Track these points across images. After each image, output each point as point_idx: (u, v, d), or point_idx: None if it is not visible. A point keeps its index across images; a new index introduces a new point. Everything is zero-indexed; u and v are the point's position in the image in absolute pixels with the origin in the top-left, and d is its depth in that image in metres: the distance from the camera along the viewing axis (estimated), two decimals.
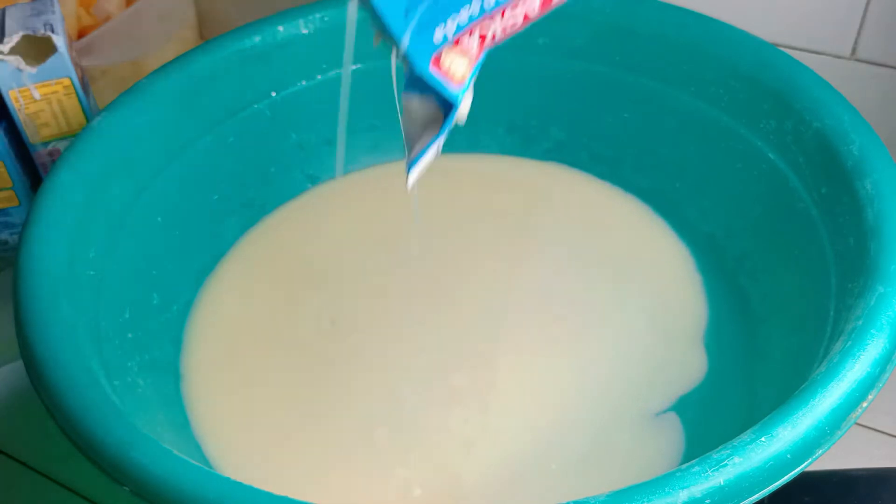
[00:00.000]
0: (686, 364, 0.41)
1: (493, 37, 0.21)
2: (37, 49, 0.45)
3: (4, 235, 0.49)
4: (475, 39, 0.21)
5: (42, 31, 0.44)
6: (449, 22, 0.19)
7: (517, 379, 0.41)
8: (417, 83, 0.21)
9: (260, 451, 0.39)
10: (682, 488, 0.27)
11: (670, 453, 0.38)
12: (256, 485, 0.28)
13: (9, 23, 0.45)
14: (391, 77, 0.25)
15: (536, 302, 0.44)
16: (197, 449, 0.38)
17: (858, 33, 0.48)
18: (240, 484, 0.28)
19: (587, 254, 0.46)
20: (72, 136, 0.47)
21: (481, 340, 0.43)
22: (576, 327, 0.43)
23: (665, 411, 0.39)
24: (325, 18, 0.48)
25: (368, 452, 0.38)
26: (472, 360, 0.42)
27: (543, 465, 0.37)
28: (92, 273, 0.38)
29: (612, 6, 0.47)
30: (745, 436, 0.28)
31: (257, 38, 0.47)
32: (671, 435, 0.39)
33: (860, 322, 0.32)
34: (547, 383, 0.41)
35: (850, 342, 0.31)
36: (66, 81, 0.46)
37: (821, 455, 0.29)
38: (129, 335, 0.39)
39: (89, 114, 0.47)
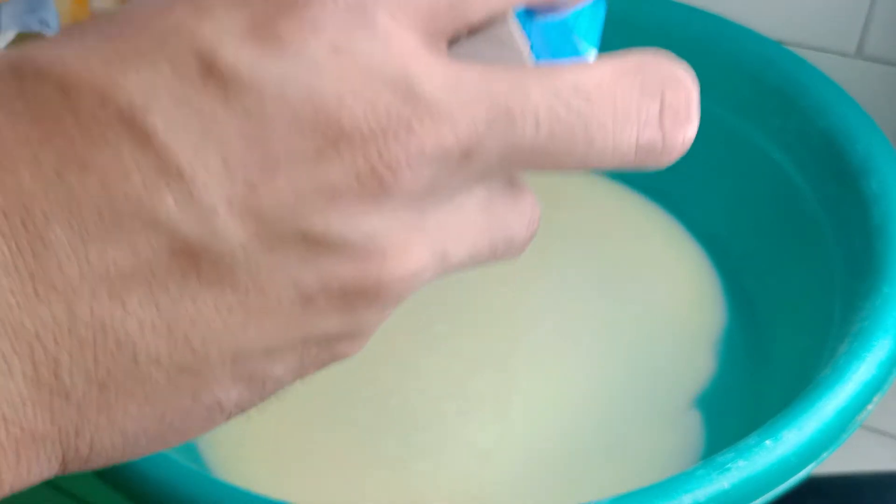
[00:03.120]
0: (695, 364, 0.41)
1: None
2: None
3: None
4: None
5: (37, 28, 0.44)
6: None
7: (534, 383, 0.40)
8: None
9: (261, 455, 0.38)
10: (687, 492, 0.26)
11: (690, 454, 0.38)
12: (257, 491, 0.28)
13: (3, 19, 0.45)
14: None
15: (550, 304, 0.44)
16: (195, 453, 0.38)
17: (864, 31, 0.47)
18: (239, 489, 0.28)
19: (599, 253, 0.46)
20: None
21: (496, 344, 0.42)
22: (589, 328, 0.43)
23: (679, 413, 0.39)
24: None
25: (378, 459, 0.38)
26: (488, 364, 0.41)
27: (563, 469, 0.37)
28: None
29: (614, 2, 0.46)
30: (750, 439, 0.28)
31: None
32: (689, 436, 0.38)
33: (866, 323, 0.31)
34: (564, 386, 0.40)
35: (855, 343, 0.31)
36: None
37: (826, 458, 0.29)
38: None
39: None
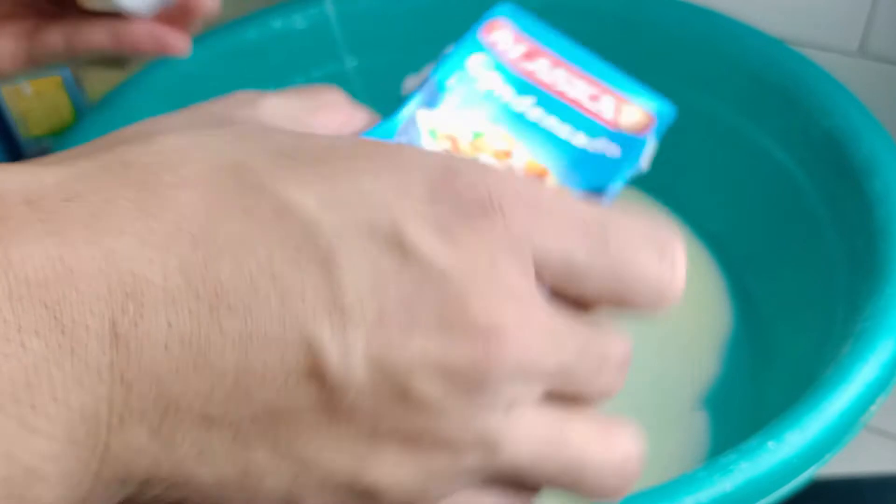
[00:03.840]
0: (701, 365, 0.41)
1: None
2: None
3: None
4: None
5: None
6: None
7: None
8: None
9: None
10: (689, 494, 0.26)
11: (696, 454, 0.38)
12: None
13: None
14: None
15: None
16: None
17: (866, 29, 0.47)
18: None
19: None
20: (63, 132, 0.46)
21: None
22: None
23: (685, 413, 0.39)
24: (321, 13, 0.47)
25: None
26: None
27: None
28: None
29: (616, 1, 0.46)
30: (753, 441, 0.28)
31: (251, 33, 0.46)
32: (696, 436, 0.38)
33: (869, 324, 0.31)
34: None
35: (859, 344, 0.30)
36: (58, 78, 0.45)
37: (829, 459, 0.28)
38: None
39: (81, 110, 0.46)
